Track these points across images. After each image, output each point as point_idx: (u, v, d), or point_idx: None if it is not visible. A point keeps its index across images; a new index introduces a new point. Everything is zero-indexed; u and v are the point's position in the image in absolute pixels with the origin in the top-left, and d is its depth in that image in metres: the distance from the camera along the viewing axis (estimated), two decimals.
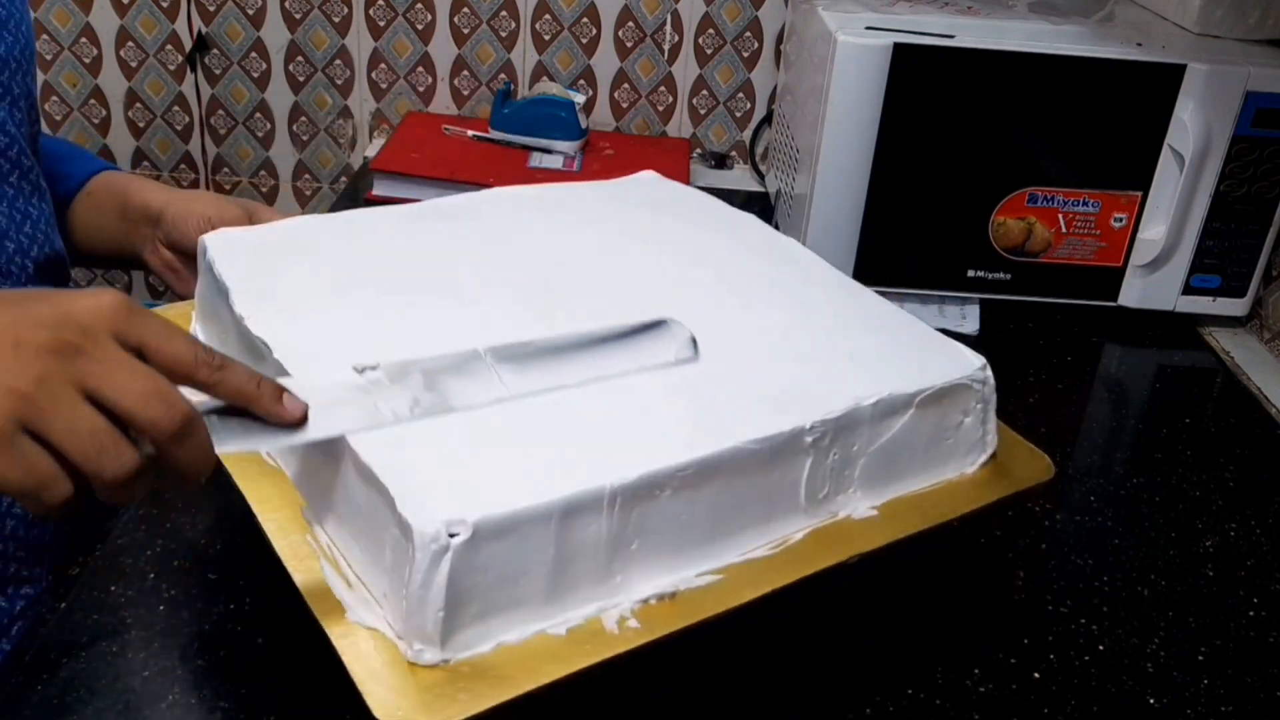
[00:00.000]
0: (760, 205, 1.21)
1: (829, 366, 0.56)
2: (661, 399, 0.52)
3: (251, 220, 0.75)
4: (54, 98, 1.31)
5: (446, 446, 0.47)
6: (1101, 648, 0.62)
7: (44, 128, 1.25)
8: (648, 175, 0.81)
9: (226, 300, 0.59)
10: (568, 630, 0.46)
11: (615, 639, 0.46)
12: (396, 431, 0.47)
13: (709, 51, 1.27)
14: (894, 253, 0.97)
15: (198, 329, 0.65)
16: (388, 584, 0.45)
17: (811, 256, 0.70)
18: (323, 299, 0.59)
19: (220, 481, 0.53)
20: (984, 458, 0.60)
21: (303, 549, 0.50)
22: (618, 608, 0.47)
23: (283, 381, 0.45)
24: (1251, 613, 0.66)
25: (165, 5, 1.26)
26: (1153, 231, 0.96)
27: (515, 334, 0.55)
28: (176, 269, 0.78)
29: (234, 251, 0.63)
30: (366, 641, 0.45)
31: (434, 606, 0.43)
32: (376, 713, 0.42)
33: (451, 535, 0.43)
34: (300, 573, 0.48)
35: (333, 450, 0.49)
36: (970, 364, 0.59)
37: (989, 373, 0.59)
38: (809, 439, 0.52)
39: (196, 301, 0.66)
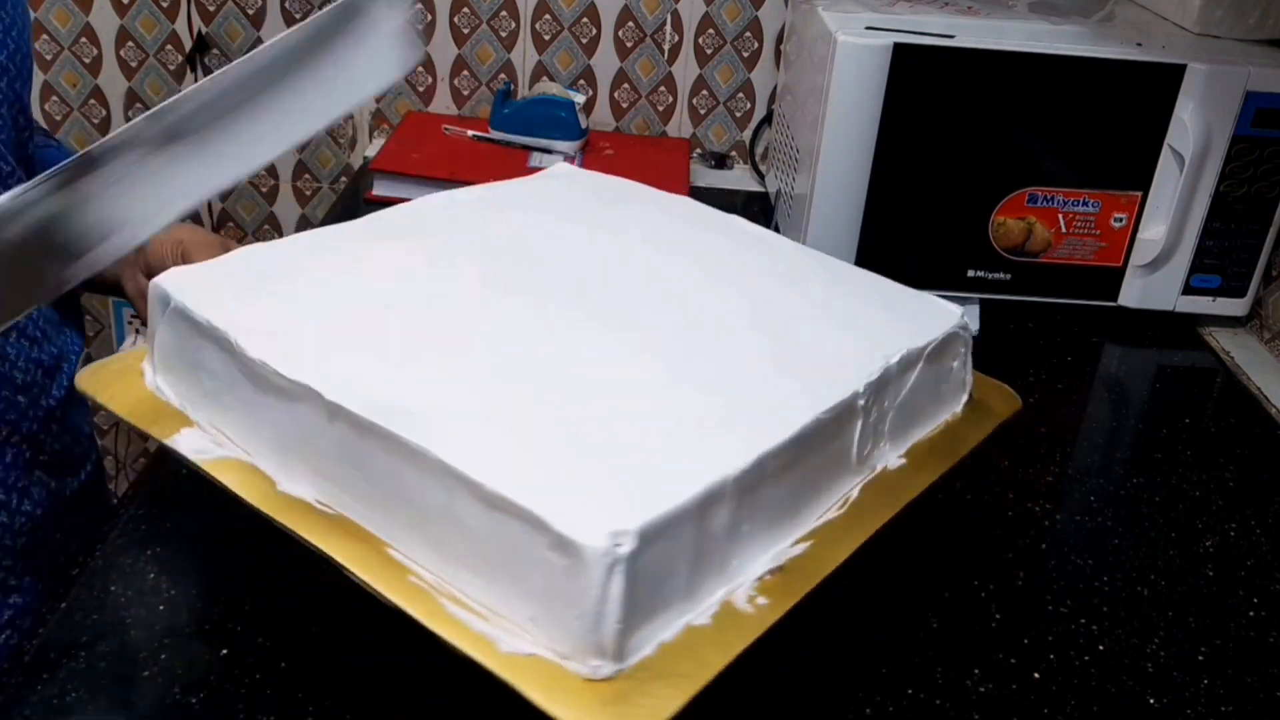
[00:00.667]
0: (760, 205, 1.21)
1: (848, 336, 0.59)
2: (726, 386, 0.54)
3: (225, 250, 0.72)
4: (54, 98, 1.31)
5: (556, 459, 0.47)
6: (1101, 648, 0.62)
7: (45, 128, 1.24)
8: (564, 168, 0.80)
9: (219, 343, 0.54)
10: (711, 618, 0.47)
11: (753, 618, 0.47)
12: (495, 450, 0.47)
13: (709, 51, 1.27)
14: (894, 253, 0.97)
15: (159, 383, 0.59)
16: (538, 608, 0.44)
17: (785, 240, 0.72)
18: (322, 323, 0.56)
19: (217, 488, 0.53)
20: (965, 397, 0.64)
21: (415, 592, 0.47)
22: (740, 588, 0.48)
23: None
24: (1251, 613, 0.66)
25: (165, 5, 1.26)
26: (1153, 231, 0.96)
27: (529, 333, 0.56)
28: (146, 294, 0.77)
29: (199, 291, 0.57)
30: (529, 668, 0.44)
31: (611, 619, 0.43)
32: None
33: (617, 545, 0.42)
34: (424, 614, 0.46)
35: (432, 485, 0.47)
36: (955, 315, 0.63)
37: (967, 319, 0.63)
38: (860, 402, 0.55)
39: (154, 353, 0.59)
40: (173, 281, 0.58)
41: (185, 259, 0.75)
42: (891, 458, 0.58)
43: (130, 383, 0.60)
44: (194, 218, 1.38)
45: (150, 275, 0.70)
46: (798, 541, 0.52)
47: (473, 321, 0.57)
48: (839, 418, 0.53)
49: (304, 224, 1.39)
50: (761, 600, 0.48)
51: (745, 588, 0.48)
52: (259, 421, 0.54)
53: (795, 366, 0.56)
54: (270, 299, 0.58)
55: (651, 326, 0.58)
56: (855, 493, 0.55)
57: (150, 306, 0.58)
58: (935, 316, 0.62)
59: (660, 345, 0.57)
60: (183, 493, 0.67)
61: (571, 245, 0.67)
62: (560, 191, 0.76)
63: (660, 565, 0.45)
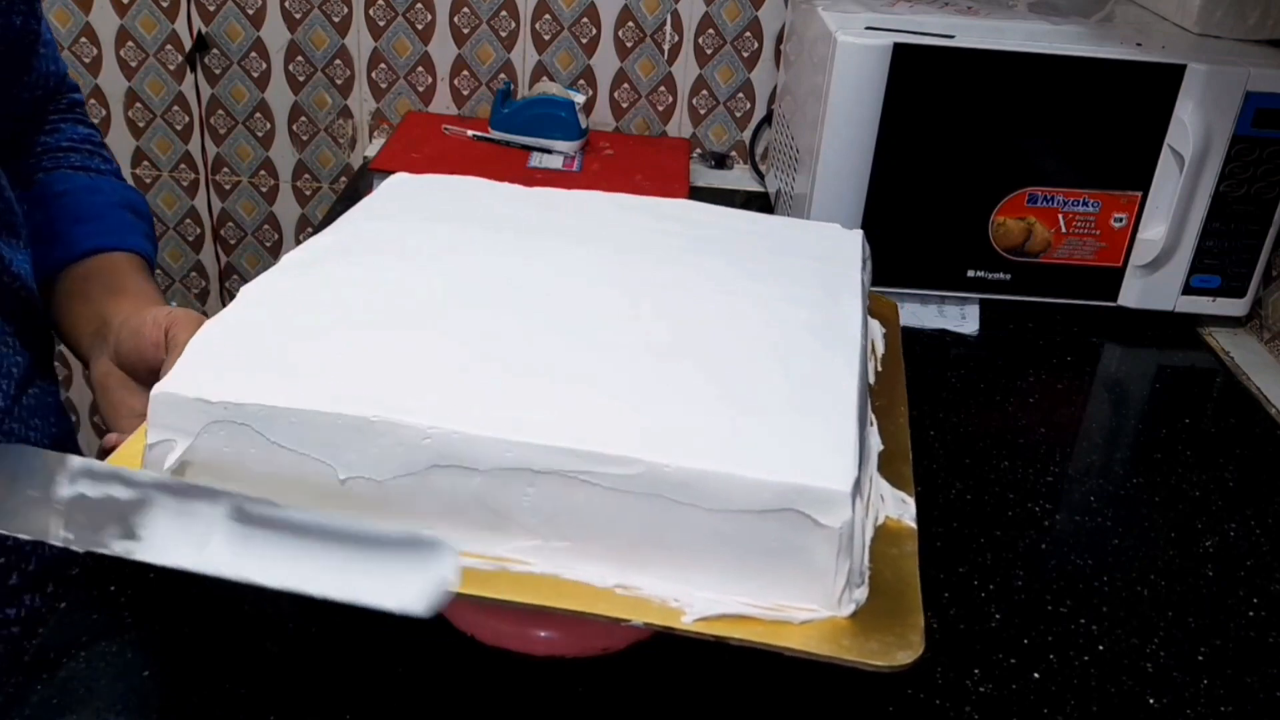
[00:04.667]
0: (760, 205, 1.21)
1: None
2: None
3: (174, 322, 0.62)
4: None
5: (719, 435, 0.47)
6: (1101, 648, 0.62)
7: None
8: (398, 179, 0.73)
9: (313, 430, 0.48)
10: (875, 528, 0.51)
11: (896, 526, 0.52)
12: (685, 445, 0.46)
13: (709, 51, 1.27)
14: (894, 253, 0.97)
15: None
16: (789, 577, 0.46)
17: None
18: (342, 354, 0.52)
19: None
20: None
21: (670, 614, 0.45)
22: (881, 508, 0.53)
23: None
24: (1251, 613, 0.66)
25: (165, 5, 1.26)
26: (1153, 231, 0.96)
27: (528, 344, 0.54)
28: (104, 386, 0.65)
29: (226, 377, 0.49)
30: (823, 636, 0.45)
31: (859, 552, 0.46)
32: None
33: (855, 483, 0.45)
34: (717, 630, 0.45)
35: (657, 502, 0.45)
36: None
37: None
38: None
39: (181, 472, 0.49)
40: (193, 381, 0.48)
41: (171, 341, 0.61)
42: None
43: None
44: (194, 221, 1.39)
45: (121, 359, 0.64)
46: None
47: (459, 332, 0.54)
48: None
49: (304, 224, 1.39)
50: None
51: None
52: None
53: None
54: (309, 360, 0.51)
55: (667, 318, 0.58)
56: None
57: (158, 418, 0.48)
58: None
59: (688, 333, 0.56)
60: None
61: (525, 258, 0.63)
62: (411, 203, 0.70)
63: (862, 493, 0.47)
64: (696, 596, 0.46)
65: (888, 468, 0.56)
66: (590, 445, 0.45)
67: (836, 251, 0.68)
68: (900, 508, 0.53)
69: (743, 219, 0.72)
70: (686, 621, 0.45)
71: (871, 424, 0.58)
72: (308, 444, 0.47)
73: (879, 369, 0.66)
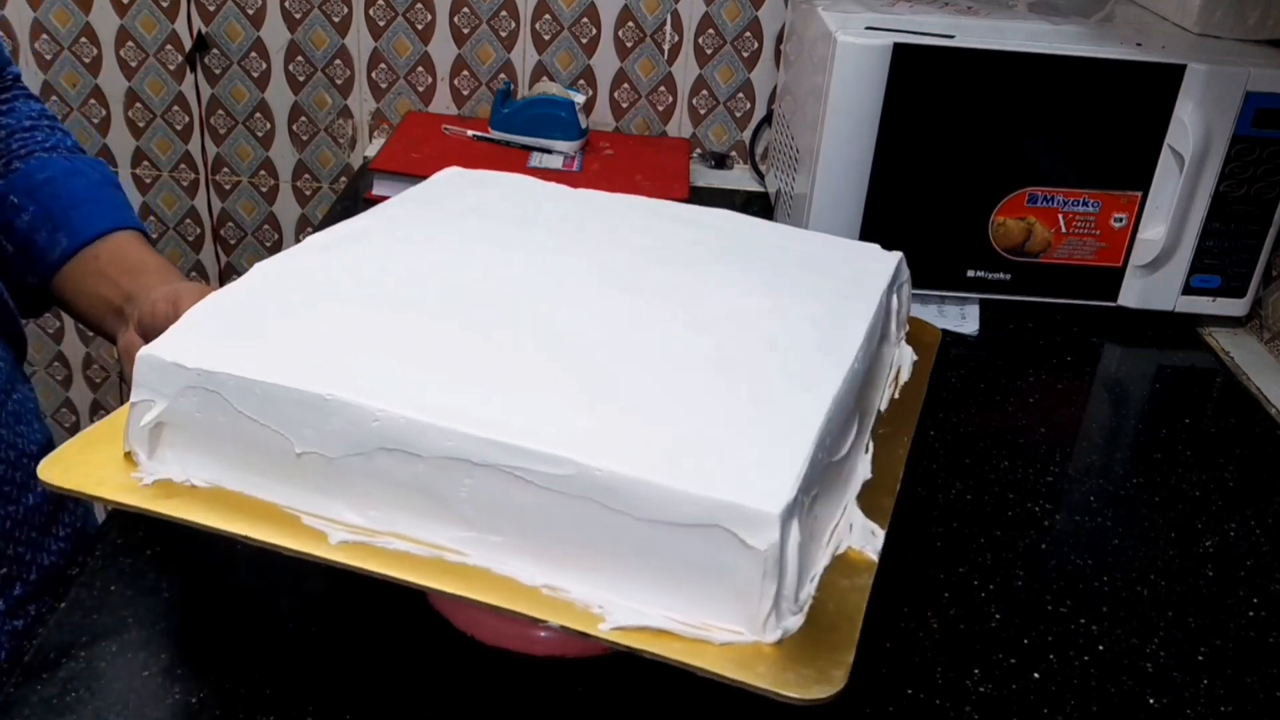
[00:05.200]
0: (760, 205, 1.21)
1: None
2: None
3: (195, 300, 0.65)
4: (54, 97, 1.31)
5: (664, 449, 0.46)
6: (1101, 648, 0.62)
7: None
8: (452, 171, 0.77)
9: (271, 402, 0.49)
10: (833, 557, 0.51)
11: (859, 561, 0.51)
12: (628, 453, 0.46)
13: (709, 51, 1.27)
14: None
15: (166, 466, 0.51)
16: (716, 595, 0.44)
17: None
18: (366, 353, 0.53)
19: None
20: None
21: (589, 619, 0.45)
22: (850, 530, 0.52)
23: None
24: (1251, 613, 0.66)
25: (165, 5, 1.26)
26: (1152, 231, 0.96)
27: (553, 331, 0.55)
28: (129, 352, 0.67)
29: (221, 350, 0.51)
30: (740, 660, 0.44)
31: (790, 576, 0.44)
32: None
33: (789, 501, 0.44)
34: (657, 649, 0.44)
35: (591, 508, 0.45)
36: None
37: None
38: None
39: (156, 432, 0.51)
40: (175, 347, 0.50)
41: (178, 311, 0.61)
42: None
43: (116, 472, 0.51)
44: (194, 221, 1.39)
45: (143, 330, 0.68)
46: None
47: (461, 324, 0.55)
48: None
49: (303, 224, 1.39)
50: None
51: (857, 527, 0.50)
52: (332, 475, 0.49)
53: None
54: (291, 336, 0.52)
55: (676, 308, 0.58)
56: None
57: (142, 378, 0.50)
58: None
59: (698, 329, 0.56)
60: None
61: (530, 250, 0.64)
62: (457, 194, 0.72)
63: (803, 518, 0.46)
64: (620, 605, 0.45)
65: (868, 498, 0.54)
66: (525, 442, 0.45)
67: (866, 271, 0.65)
68: (867, 539, 0.51)
69: (782, 234, 0.71)
70: (603, 629, 0.44)
71: (867, 450, 0.57)
72: (268, 416, 0.49)
73: (895, 396, 0.64)
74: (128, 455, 0.51)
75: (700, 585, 0.45)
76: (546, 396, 0.49)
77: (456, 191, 0.72)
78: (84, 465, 0.51)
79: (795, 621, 0.45)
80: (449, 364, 0.51)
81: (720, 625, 0.45)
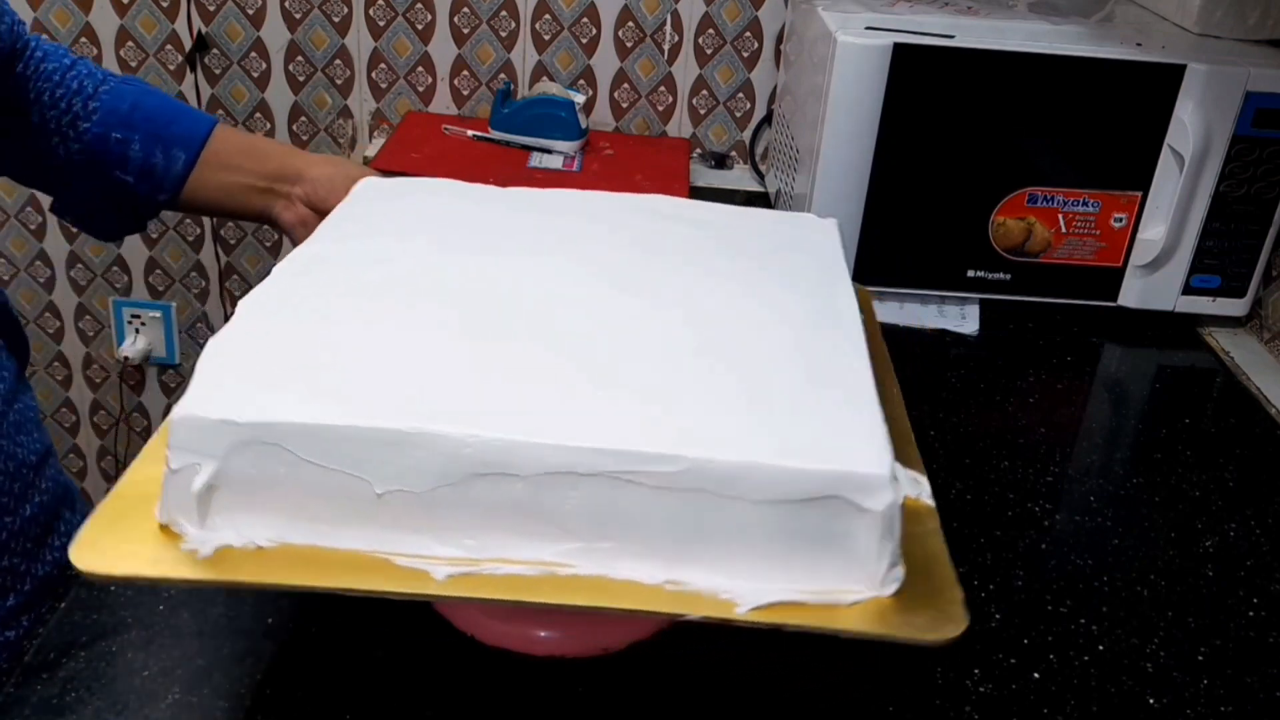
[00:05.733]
0: (760, 205, 1.21)
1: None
2: (515, 377, 0.50)
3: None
4: None
5: (756, 427, 0.48)
6: (1101, 648, 0.62)
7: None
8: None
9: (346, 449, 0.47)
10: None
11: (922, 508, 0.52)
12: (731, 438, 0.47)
13: (709, 51, 1.27)
14: (894, 253, 0.97)
15: (215, 532, 0.47)
16: (828, 561, 0.46)
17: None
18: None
19: None
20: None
21: (723, 606, 0.46)
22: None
23: None
24: (1251, 613, 0.66)
25: (165, 5, 1.26)
26: (1152, 231, 0.96)
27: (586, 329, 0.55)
28: (309, 224, 0.78)
29: (253, 396, 0.48)
30: (873, 617, 0.46)
31: (897, 532, 0.46)
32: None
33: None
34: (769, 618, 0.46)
35: (703, 497, 0.46)
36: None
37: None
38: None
39: (206, 497, 0.47)
40: (220, 402, 0.47)
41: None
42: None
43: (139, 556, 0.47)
44: (194, 222, 1.39)
45: (318, 204, 0.78)
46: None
47: (462, 316, 0.55)
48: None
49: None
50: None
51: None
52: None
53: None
54: (332, 371, 0.49)
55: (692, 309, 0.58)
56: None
57: (182, 442, 0.46)
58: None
59: (579, 341, 0.54)
60: None
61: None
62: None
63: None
64: (744, 587, 0.46)
65: (895, 450, 0.55)
66: (634, 445, 0.45)
67: (819, 242, 0.69)
68: (915, 487, 0.54)
69: (720, 212, 0.72)
70: (741, 612, 0.45)
71: None
72: (342, 460, 0.46)
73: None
74: (163, 527, 0.46)
75: (818, 555, 0.47)
76: (624, 398, 0.49)
77: (389, 202, 0.68)
78: (121, 546, 0.45)
79: (901, 572, 0.47)
80: (507, 378, 0.50)
81: (840, 589, 0.47)
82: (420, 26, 1.27)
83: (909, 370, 0.68)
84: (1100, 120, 0.93)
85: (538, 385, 0.49)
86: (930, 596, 0.47)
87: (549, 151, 1.19)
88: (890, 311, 0.99)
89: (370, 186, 0.70)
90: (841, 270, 0.64)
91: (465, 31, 1.27)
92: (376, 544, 0.46)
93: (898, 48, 0.89)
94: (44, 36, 0.87)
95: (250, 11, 1.27)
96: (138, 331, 1.47)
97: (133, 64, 1.29)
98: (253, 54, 1.29)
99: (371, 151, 1.26)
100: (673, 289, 0.60)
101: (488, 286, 0.58)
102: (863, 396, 0.51)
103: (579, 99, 1.19)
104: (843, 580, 0.47)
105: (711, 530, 0.46)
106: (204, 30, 1.28)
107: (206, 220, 1.39)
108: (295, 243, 0.74)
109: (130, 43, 1.28)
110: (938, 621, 0.46)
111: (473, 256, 0.61)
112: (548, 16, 1.26)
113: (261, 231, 1.40)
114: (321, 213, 0.75)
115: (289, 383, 0.48)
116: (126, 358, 1.47)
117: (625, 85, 1.29)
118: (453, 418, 0.46)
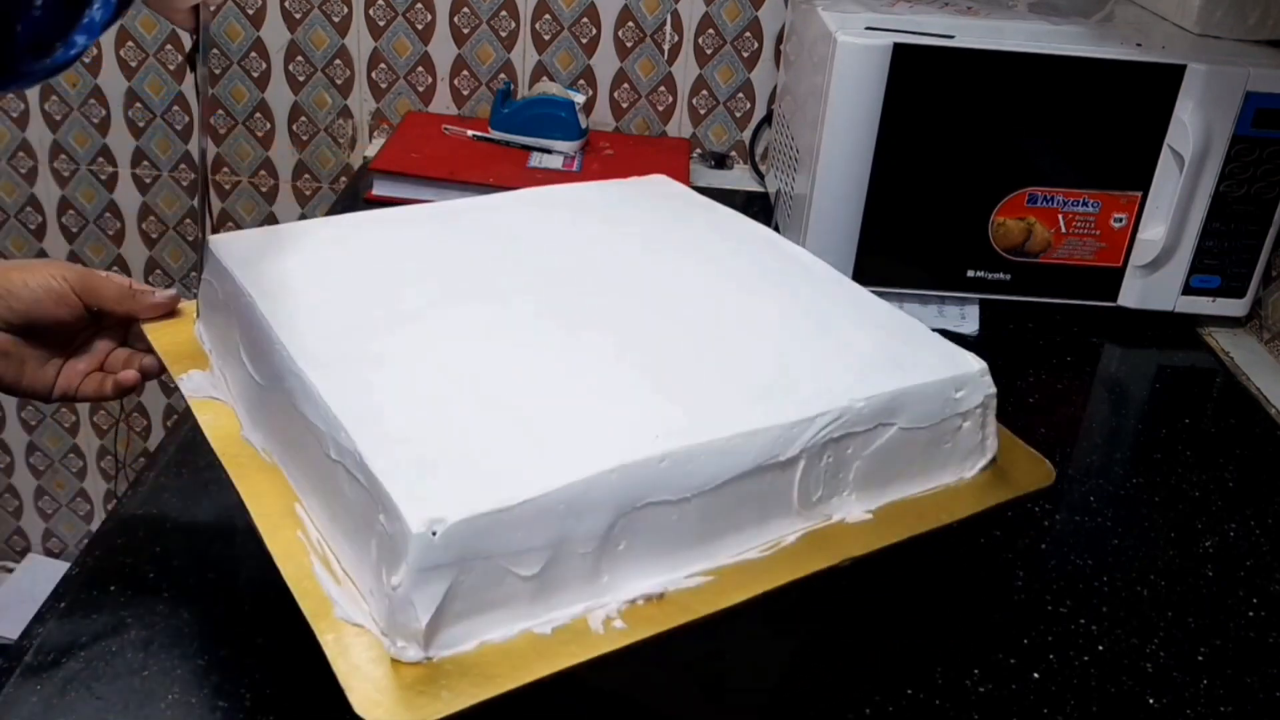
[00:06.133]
0: (760, 205, 1.21)
1: (825, 364, 0.56)
2: (649, 393, 0.52)
3: (83, 281, 0.64)
4: (54, 97, 1.31)
5: (439, 438, 0.48)
6: (1101, 648, 0.62)
7: (44, 127, 1.24)
8: (658, 178, 0.81)
9: (243, 303, 0.58)
10: (553, 630, 0.46)
11: (599, 639, 0.45)
12: (389, 424, 0.48)
13: (709, 51, 1.27)
14: (894, 253, 0.97)
15: (200, 329, 0.65)
16: (373, 580, 0.45)
17: (819, 262, 0.68)
18: (334, 295, 0.59)
19: (220, 480, 0.53)
20: (983, 463, 0.59)
21: (294, 545, 0.49)
22: (604, 608, 0.47)
23: None
24: (1251, 613, 0.66)
25: None
26: (1152, 232, 0.96)
27: (509, 328, 0.56)
28: (9, 352, 0.63)
29: (246, 254, 0.62)
30: (353, 638, 0.45)
31: (419, 604, 0.43)
32: (357, 708, 0.42)
33: (434, 532, 0.42)
34: (290, 568, 0.48)
35: (327, 441, 0.49)
36: (969, 367, 0.58)
37: (988, 377, 0.58)
38: (800, 440, 0.51)
39: (200, 301, 0.65)
40: (222, 241, 0.64)
41: (85, 296, 0.64)
42: (856, 510, 0.54)
43: (180, 327, 0.65)
44: (194, 221, 1.38)
45: (14, 326, 0.62)
46: (695, 574, 0.49)
47: (463, 309, 0.59)
48: (765, 450, 0.50)
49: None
50: (619, 624, 0.46)
51: (610, 608, 0.47)
52: (237, 369, 0.58)
53: (752, 383, 0.53)
54: (295, 272, 0.61)
55: (629, 327, 0.58)
56: (791, 538, 0.52)
57: (209, 265, 0.62)
58: (945, 365, 0.58)
59: (630, 346, 0.56)
60: (183, 493, 0.67)
61: (597, 249, 0.68)
62: (646, 200, 0.77)
63: (493, 561, 0.44)
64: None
65: None
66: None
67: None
68: None
69: (560, 194, 0.77)
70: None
71: None
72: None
73: None
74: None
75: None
76: (725, 386, 0.53)
77: (275, 254, 0.65)
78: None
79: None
80: (614, 395, 0.52)
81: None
82: (420, 26, 1.27)
83: None
84: (1100, 120, 0.93)
85: (690, 389, 0.53)
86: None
87: (549, 151, 1.19)
88: None
89: (232, 241, 0.65)
90: (761, 226, 0.73)
91: (465, 31, 1.27)
92: (585, 601, 0.47)
93: (898, 48, 0.89)
94: None
95: (250, 11, 1.27)
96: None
97: (133, 64, 1.29)
98: (253, 54, 1.29)
99: (371, 151, 1.26)
100: (655, 285, 0.63)
101: (504, 320, 0.58)
102: (909, 324, 0.61)
103: (579, 99, 1.19)
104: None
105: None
106: None
107: (206, 220, 1.38)
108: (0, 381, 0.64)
109: (130, 43, 1.28)
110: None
111: (447, 293, 0.61)
112: (548, 16, 1.26)
113: None
114: (24, 332, 0.63)
115: (267, 259, 0.60)
116: None
117: (625, 85, 1.29)
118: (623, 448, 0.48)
